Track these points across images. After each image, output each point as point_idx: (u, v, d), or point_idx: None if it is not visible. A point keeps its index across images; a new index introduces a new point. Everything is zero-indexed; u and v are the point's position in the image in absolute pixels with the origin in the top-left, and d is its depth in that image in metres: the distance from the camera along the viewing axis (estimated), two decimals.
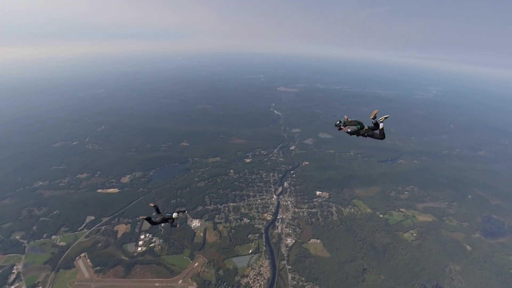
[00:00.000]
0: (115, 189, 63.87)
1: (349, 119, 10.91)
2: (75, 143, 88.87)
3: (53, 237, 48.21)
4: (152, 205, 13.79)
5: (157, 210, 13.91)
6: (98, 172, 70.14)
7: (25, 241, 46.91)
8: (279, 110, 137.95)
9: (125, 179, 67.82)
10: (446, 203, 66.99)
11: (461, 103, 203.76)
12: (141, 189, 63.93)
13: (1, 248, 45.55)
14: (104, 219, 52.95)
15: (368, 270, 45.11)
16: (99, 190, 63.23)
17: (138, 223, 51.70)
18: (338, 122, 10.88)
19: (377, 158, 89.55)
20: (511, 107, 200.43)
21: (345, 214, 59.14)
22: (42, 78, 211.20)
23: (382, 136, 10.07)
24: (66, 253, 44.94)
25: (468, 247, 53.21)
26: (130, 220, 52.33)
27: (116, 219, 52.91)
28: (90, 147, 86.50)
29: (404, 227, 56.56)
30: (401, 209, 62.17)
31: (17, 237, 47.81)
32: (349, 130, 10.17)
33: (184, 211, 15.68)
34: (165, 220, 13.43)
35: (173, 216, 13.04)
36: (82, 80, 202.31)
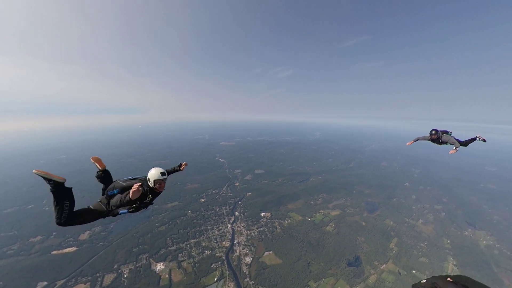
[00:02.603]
0: (72, 248, 45.18)
1: (441, 130, 9.22)
2: (30, 206, 62.53)
3: None
4: (94, 161, 5.00)
5: (102, 178, 4.96)
6: (54, 233, 49.46)
7: None
8: (223, 158, 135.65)
9: (84, 236, 49.47)
10: (344, 199, 74.22)
11: (334, 140, 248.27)
12: (101, 243, 47.17)
13: None
14: (59, 282, 36.16)
15: (311, 262, 43.50)
16: (54, 252, 43.82)
17: (99, 279, 37.31)
18: (434, 131, 8.90)
19: (297, 180, 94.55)
20: (362, 139, 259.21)
21: (285, 225, 57.60)
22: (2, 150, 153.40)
23: (466, 144, 9.16)
24: None
25: (363, 223, 58.64)
26: (89, 278, 37.28)
27: (73, 280, 36.72)
28: (47, 209, 61.59)
29: (325, 222, 58.66)
30: (320, 211, 65.13)
31: None
32: (445, 139, 8.63)
33: (180, 166, 6.00)
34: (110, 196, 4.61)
35: (151, 177, 4.63)
36: (46, 148, 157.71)
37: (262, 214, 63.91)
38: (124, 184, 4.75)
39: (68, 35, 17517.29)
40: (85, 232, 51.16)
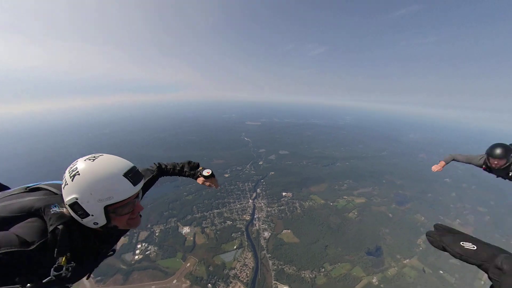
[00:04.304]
0: None
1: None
2: None
3: None
4: None
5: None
6: None
7: None
8: (248, 137, 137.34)
9: None
10: (371, 188, 69.86)
11: (367, 125, 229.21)
12: None
13: None
14: None
15: (329, 246, 43.13)
16: None
17: (135, 234, 43.20)
18: (499, 151, 3.64)
19: (322, 164, 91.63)
20: (401, 127, 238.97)
21: (306, 207, 57.22)
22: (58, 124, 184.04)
23: None
24: None
25: (390, 215, 55.04)
26: (128, 234, 43.97)
27: None
28: None
29: (348, 209, 56.60)
30: (344, 197, 62.71)
31: None
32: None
33: (196, 173, 2.56)
34: None
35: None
36: (92, 123, 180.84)
37: (284, 194, 63.98)
38: None
39: (107, 18, 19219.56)
40: None
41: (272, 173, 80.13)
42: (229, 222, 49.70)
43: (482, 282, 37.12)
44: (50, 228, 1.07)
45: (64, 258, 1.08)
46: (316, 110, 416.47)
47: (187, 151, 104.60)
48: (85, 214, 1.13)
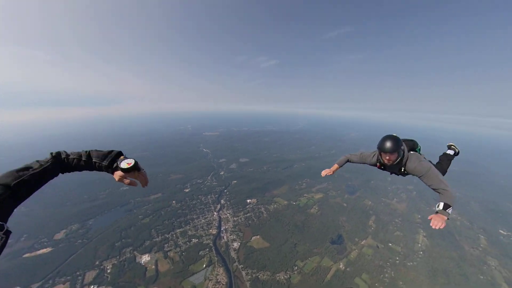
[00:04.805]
0: (47, 248, 40.63)
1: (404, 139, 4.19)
2: None
3: None
4: None
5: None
6: (24, 235, 43.69)
7: None
8: (207, 148, 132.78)
9: (60, 235, 44.83)
10: (326, 183, 77.26)
11: (317, 129, 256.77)
12: (79, 241, 43.45)
13: None
14: (35, 286, 32.71)
15: (298, 244, 44.90)
16: (26, 255, 39.07)
17: (79, 277, 34.72)
18: (389, 145, 3.52)
19: (281, 167, 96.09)
20: (343, 129, 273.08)
21: (271, 210, 58.38)
22: None
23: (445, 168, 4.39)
24: None
25: (345, 204, 61.96)
26: (68, 278, 34.44)
27: (50, 281, 33.56)
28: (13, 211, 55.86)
29: (309, 205, 60.69)
30: (304, 195, 67.18)
31: None
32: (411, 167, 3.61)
33: (113, 162, 1.75)
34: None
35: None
36: (6, 145, 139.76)
37: (248, 201, 63.90)
38: None
39: (21, 13, 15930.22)
40: (60, 232, 46.41)
41: (235, 181, 79.51)
42: (194, 240, 45.94)
43: (419, 245, 45.69)
44: None
45: None
46: (271, 118, 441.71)
47: None
48: None
